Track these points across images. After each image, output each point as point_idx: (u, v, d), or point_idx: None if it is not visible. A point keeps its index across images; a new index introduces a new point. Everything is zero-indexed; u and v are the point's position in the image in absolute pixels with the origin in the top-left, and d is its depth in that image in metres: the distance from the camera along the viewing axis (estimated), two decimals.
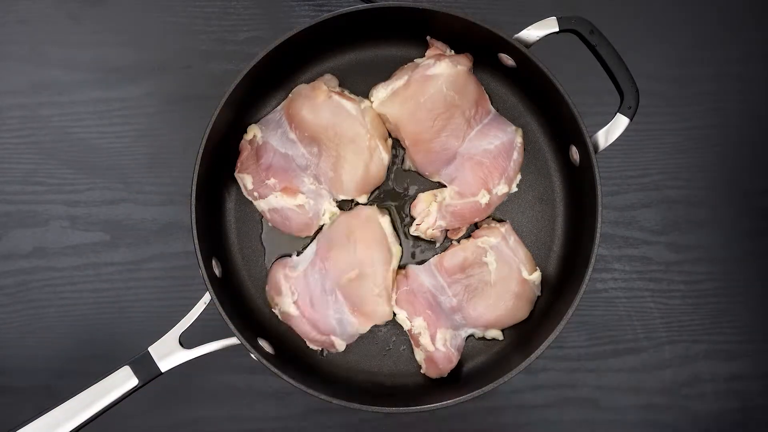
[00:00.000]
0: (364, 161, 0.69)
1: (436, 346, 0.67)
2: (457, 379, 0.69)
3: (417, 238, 0.71)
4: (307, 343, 0.70)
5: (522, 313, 0.69)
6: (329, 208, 0.70)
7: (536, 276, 0.70)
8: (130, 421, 0.74)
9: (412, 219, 0.70)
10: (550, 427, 0.75)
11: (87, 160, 0.75)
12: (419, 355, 0.69)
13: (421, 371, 0.69)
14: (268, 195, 0.69)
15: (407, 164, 0.71)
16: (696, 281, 0.76)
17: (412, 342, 0.69)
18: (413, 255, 0.71)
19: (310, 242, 0.70)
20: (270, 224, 0.71)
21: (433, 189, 0.70)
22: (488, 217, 0.71)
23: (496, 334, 0.70)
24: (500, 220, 0.71)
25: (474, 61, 0.71)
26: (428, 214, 0.69)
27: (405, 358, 0.71)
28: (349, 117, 0.68)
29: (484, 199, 0.69)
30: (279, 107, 0.71)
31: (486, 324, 0.69)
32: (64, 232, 0.75)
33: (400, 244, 0.70)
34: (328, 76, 0.71)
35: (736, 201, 0.77)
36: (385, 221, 0.69)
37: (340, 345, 0.69)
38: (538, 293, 0.70)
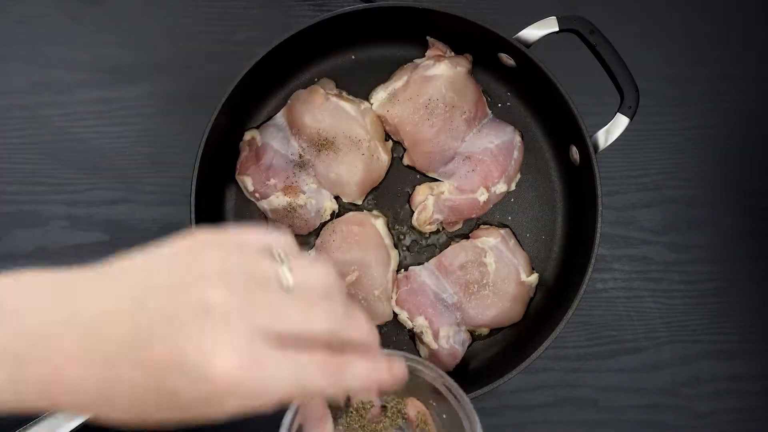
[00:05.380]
0: (363, 163, 0.68)
1: (440, 344, 0.67)
2: (464, 376, 0.69)
3: (415, 241, 0.71)
4: None
5: (516, 314, 0.69)
6: (330, 205, 0.70)
7: (533, 278, 0.70)
8: None
9: (413, 212, 0.70)
10: (550, 427, 0.74)
11: (87, 160, 0.75)
12: (423, 353, 0.69)
13: None
14: (270, 195, 0.69)
15: (406, 162, 0.71)
16: (696, 281, 0.76)
17: (417, 340, 0.69)
18: (411, 256, 0.71)
19: (313, 244, 0.70)
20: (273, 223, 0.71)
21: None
22: (490, 225, 0.71)
23: (483, 329, 0.70)
24: (501, 225, 0.71)
25: (474, 60, 0.71)
26: (425, 207, 0.69)
27: None
28: (348, 118, 0.68)
29: (482, 196, 0.69)
30: (279, 114, 0.71)
31: (481, 324, 0.69)
32: (65, 232, 0.75)
33: (397, 246, 0.70)
34: (325, 80, 0.71)
35: (736, 201, 0.77)
36: (379, 223, 0.69)
37: None
38: (532, 295, 0.70)
